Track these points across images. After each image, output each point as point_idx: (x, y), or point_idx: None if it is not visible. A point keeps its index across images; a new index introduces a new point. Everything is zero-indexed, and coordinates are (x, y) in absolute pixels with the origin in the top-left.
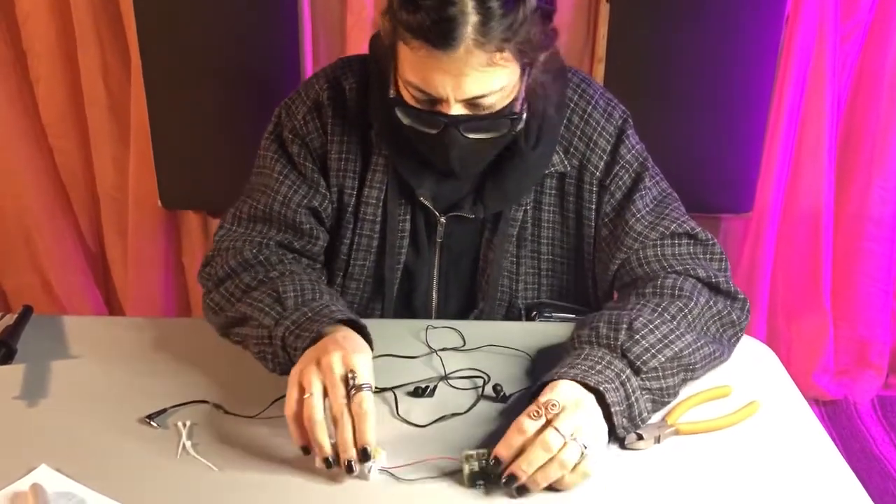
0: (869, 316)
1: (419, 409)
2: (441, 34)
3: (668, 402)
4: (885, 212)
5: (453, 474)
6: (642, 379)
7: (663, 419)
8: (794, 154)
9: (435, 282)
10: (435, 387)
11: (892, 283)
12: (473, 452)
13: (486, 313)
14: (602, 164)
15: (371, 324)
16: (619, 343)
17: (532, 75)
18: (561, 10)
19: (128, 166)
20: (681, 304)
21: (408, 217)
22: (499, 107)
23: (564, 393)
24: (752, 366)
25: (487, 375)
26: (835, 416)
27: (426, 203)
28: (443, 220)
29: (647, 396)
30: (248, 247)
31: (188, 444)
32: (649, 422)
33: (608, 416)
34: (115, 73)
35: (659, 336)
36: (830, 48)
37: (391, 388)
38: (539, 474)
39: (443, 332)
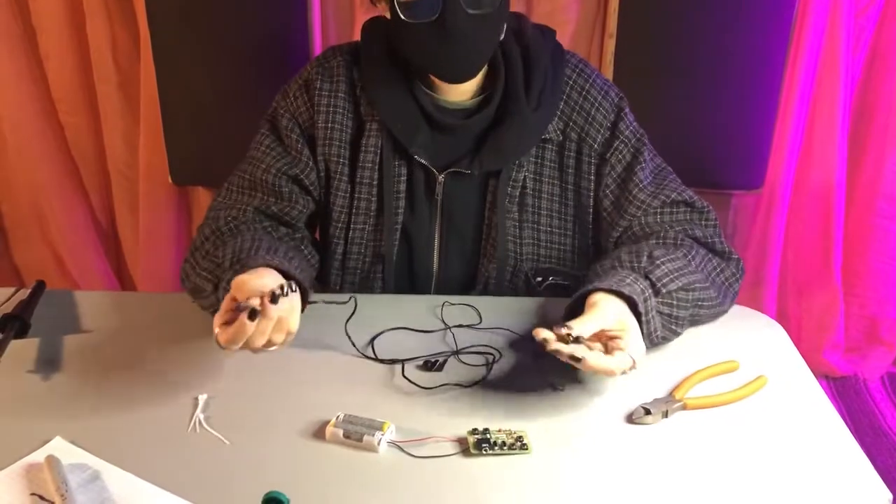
0: (880, 293)
1: (428, 382)
2: None
3: (673, 335)
4: None
5: (460, 449)
6: (659, 302)
7: (671, 394)
8: (805, 130)
9: (436, 246)
10: (444, 361)
11: None
12: (476, 429)
13: (494, 277)
14: (600, 137)
15: (387, 299)
16: (641, 266)
17: None
18: None
19: (138, 142)
20: (685, 251)
21: (403, 178)
22: None
23: (613, 312)
24: (760, 340)
25: (499, 352)
26: (844, 392)
27: (423, 161)
28: (441, 177)
29: (658, 319)
30: (225, 215)
31: (202, 416)
32: (656, 397)
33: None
34: (124, 49)
35: (676, 266)
36: (844, 23)
37: (401, 361)
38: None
39: (459, 308)
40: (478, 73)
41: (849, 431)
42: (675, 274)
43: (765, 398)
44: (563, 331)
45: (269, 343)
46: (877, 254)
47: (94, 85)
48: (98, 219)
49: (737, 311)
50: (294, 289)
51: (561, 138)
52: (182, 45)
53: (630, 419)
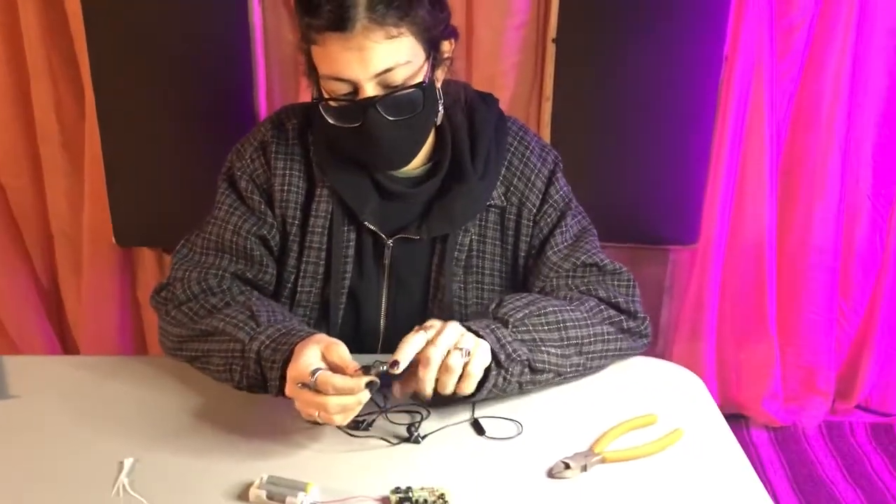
0: (814, 343)
1: (355, 440)
2: (338, 17)
3: (553, 361)
4: (827, 241)
5: None
6: (513, 332)
7: (590, 448)
8: (736, 186)
9: (383, 307)
10: (373, 420)
11: (836, 311)
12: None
13: None
14: (538, 201)
15: None
16: (489, 310)
17: (443, 61)
18: (509, 51)
19: (82, 203)
20: (561, 300)
21: (352, 243)
22: (411, 82)
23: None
24: (679, 393)
25: (428, 411)
26: (784, 441)
27: (372, 227)
28: (390, 242)
29: (518, 344)
30: (209, 277)
31: (126, 481)
32: (577, 451)
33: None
34: (68, 110)
35: (526, 301)
36: (768, 84)
37: None
38: (438, 384)
39: None
40: (412, 160)
41: (760, 482)
42: (523, 305)
43: (681, 450)
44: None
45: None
46: (810, 305)
47: (37, 145)
48: (40, 280)
49: (655, 364)
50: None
51: (503, 203)
52: (127, 106)
53: (550, 474)
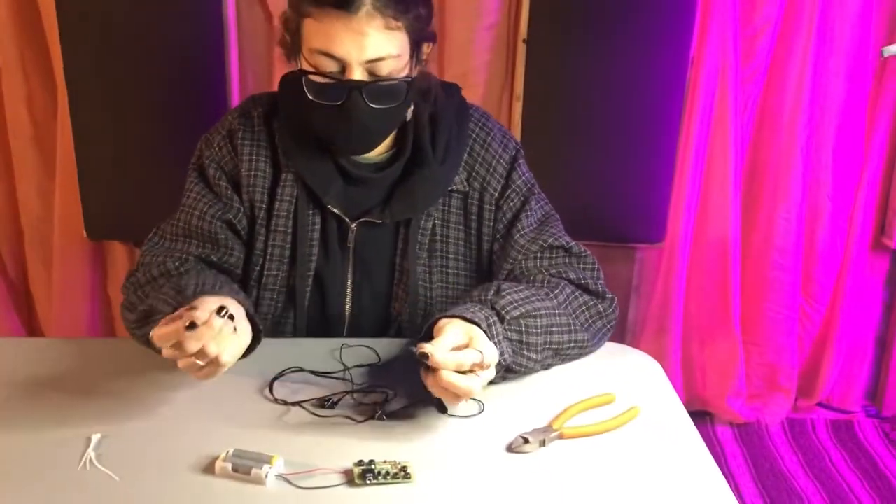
0: (777, 341)
1: (321, 419)
2: None
3: (528, 364)
4: (789, 241)
5: (346, 480)
6: (506, 329)
7: (549, 425)
8: (702, 187)
9: (348, 291)
10: (339, 399)
11: (797, 310)
12: (361, 460)
13: (407, 320)
14: (500, 186)
15: (288, 342)
16: (487, 298)
17: (421, 61)
18: (480, 50)
19: (53, 196)
20: (547, 290)
21: (317, 226)
22: (395, 76)
23: (459, 329)
24: (637, 375)
25: (393, 391)
26: (747, 437)
27: (336, 211)
28: (354, 226)
29: (507, 344)
30: (170, 260)
31: (93, 454)
32: (536, 427)
33: None
34: (40, 103)
35: (521, 296)
36: (732, 88)
37: (297, 402)
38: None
39: (360, 350)
40: (375, 148)
41: (712, 458)
42: (520, 302)
43: (637, 428)
44: (419, 351)
45: (202, 354)
46: (772, 304)
47: (9, 140)
48: (9, 274)
49: (616, 348)
50: (233, 318)
51: (466, 188)
52: (99, 100)
53: (510, 448)
